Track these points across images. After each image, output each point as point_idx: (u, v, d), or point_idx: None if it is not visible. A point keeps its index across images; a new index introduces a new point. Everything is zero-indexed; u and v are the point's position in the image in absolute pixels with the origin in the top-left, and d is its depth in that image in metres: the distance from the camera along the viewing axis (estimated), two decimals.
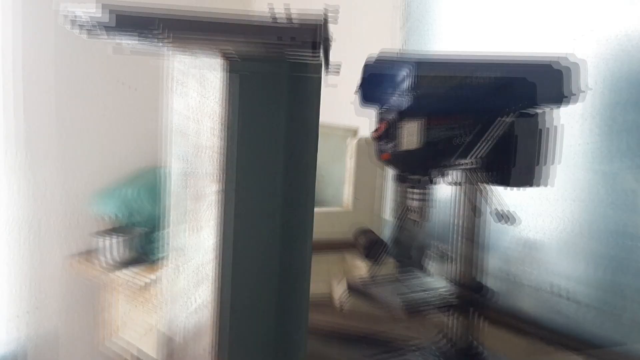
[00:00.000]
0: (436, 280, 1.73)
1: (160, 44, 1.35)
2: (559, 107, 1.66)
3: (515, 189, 1.61)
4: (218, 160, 1.43)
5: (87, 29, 1.29)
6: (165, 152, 1.57)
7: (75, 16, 1.28)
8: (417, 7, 2.35)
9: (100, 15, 1.24)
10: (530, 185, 1.62)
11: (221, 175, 1.42)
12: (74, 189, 2.80)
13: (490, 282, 2.01)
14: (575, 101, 1.66)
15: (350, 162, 2.22)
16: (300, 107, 1.49)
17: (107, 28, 1.30)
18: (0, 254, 2.69)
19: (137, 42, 1.41)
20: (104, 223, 2.78)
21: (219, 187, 1.43)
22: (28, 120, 2.66)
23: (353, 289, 1.70)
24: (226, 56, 1.38)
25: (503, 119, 1.54)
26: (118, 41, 1.43)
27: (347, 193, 2.26)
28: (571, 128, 1.91)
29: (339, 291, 2.12)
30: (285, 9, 1.49)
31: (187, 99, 1.51)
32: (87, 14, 1.26)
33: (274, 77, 1.45)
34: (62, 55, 2.71)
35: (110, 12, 1.26)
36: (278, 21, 1.47)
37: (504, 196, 1.61)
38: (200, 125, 1.48)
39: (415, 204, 1.60)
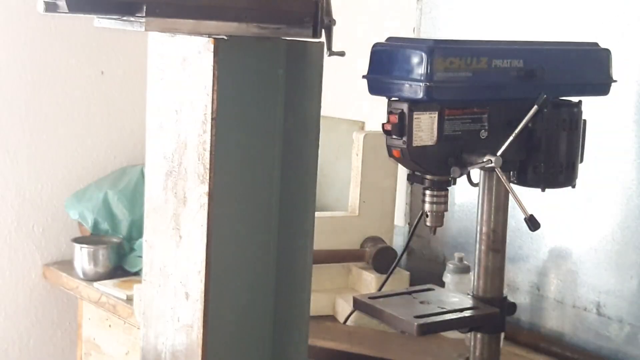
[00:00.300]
0: (456, 296, 1.68)
1: (141, 25, 1.33)
2: (605, 94, 1.64)
3: (549, 190, 1.58)
4: (205, 158, 1.39)
5: (62, 11, 1.27)
6: (144, 149, 1.56)
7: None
8: None
9: None
10: (572, 186, 1.61)
11: (209, 175, 1.39)
12: (48, 191, 2.79)
13: (517, 298, 2.03)
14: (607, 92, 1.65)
15: (356, 160, 2.19)
16: (299, 95, 1.47)
17: (85, 9, 1.30)
18: None
19: (115, 22, 1.40)
20: (80, 229, 2.77)
21: (206, 188, 1.40)
22: None
23: (360, 305, 1.65)
24: (214, 37, 1.36)
25: (538, 108, 1.50)
26: (96, 21, 1.43)
27: (353, 195, 2.23)
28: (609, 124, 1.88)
29: (344, 307, 2.08)
30: None
31: (168, 88, 1.49)
32: None
33: (269, 59, 1.43)
34: (31, 39, 2.69)
35: None
36: None
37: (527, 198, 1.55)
38: (184, 117, 1.45)
39: (431, 207, 1.55)
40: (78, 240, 2.67)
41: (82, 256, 2.61)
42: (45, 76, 2.73)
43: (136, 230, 2.65)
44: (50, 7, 1.27)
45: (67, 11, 1.26)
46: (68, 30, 2.74)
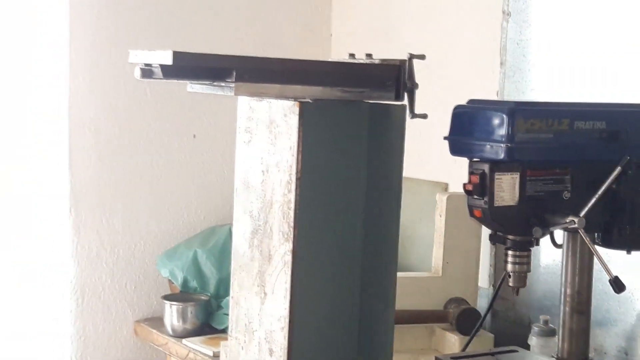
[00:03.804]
0: (540, 359, 1.67)
1: (231, 90, 1.38)
2: None
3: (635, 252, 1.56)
4: (289, 216, 1.41)
5: (157, 77, 1.33)
6: (234, 208, 1.58)
7: (146, 65, 1.33)
8: (514, 52, 2.33)
9: (171, 63, 1.28)
10: None
11: (293, 233, 1.41)
12: (140, 249, 2.84)
13: None
14: None
15: (439, 221, 2.19)
16: (381, 157, 1.49)
17: (179, 76, 1.35)
18: (63, 318, 2.73)
19: (207, 87, 1.46)
20: (170, 287, 2.81)
21: (290, 246, 1.41)
22: (91, 175, 2.72)
23: None
24: (299, 100, 1.41)
25: (622, 170, 1.49)
26: (189, 86, 1.49)
27: (436, 256, 2.22)
28: None
29: None
30: (367, 53, 1.53)
31: (255, 149, 1.52)
32: (158, 62, 1.30)
33: (353, 122, 1.45)
34: (127, 104, 2.77)
35: (181, 59, 1.29)
36: (357, 62, 1.51)
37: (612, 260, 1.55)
38: (270, 177, 1.47)
39: (514, 268, 1.54)
40: (168, 297, 2.70)
41: (171, 313, 2.64)
42: (140, 139, 2.82)
43: (224, 288, 2.66)
44: (146, 74, 1.34)
45: (162, 77, 1.32)
46: (162, 96, 2.82)
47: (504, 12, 2.29)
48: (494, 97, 2.35)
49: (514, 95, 2.31)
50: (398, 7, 2.74)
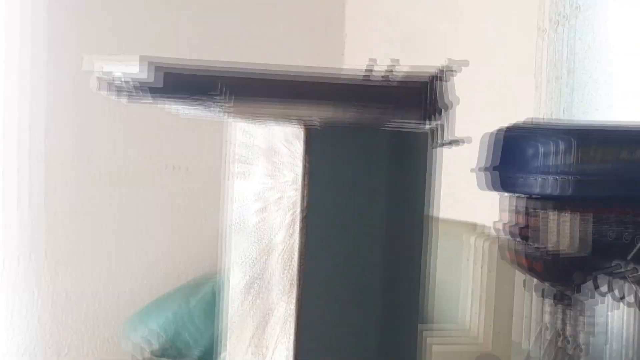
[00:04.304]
0: None
1: (221, 111, 1.38)
2: None
3: None
4: (292, 267, 1.40)
5: (127, 93, 1.31)
6: (223, 254, 1.58)
7: (113, 78, 1.31)
8: (568, 65, 2.31)
9: (145, 76, 1.26)
10: None
11: (297, 288, 1.40)
12: (110, 307, 2.85)
13: None
14: None
15: (472, 268, 2.20)
16: (405, 194, 1.47)
17: (154, 91, 1.32)
18: None
19: (190, 108, 1.43)
20: (147, 346, 2.75)
21: (293, 303, 1.40)
22: (48, 221, 2.72)
23: None
24: (305, 124, 1.39)
25: None
26: (167, 106, 1.46)
27: (468, 308, 2.23)
28: None
29: None
30: (390, 64, 1.48)
31: (251, 182, 1.50)
32: (128, 75, 1.29)
33: (370, 151, 1.43)
34: (89, 129, 2.78)
35: (158, 71, 1.27)
36: (373, 79, 1.47)
37: None
38: (269, 218, 1.45)
39: (568, 328, 1.52)
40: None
41: None
42: (103, 167, 2.83)
43: (210, 355, 2.65)
44: (110, 88, 1.31)
45: (133, 94, 1.31)
46: (132, 116, 2.82)
47: (561, 16, 2.28)
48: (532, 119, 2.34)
49: (568, 115, 2.30)
50: (418, 10, 2.74)
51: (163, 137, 2.87)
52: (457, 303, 2.25)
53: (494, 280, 2.18)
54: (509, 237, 1.46)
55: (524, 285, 1.56)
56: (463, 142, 1.47)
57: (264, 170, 1.47)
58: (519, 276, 1.66)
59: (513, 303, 2.21)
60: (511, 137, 1.50)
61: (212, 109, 1.39)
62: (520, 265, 1.48)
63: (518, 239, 1.44)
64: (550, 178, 1.41)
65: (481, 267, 2.16)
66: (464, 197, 2.32)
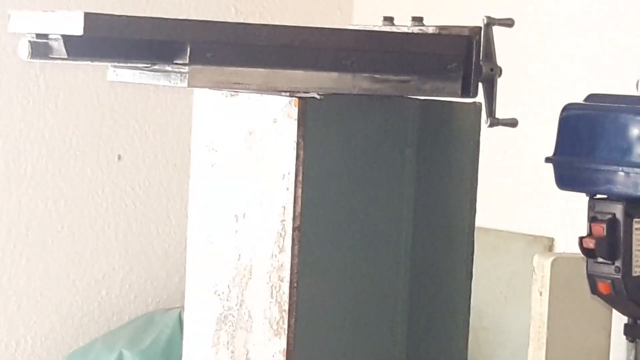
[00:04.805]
0: None
1: (184, 81, 1.31)
2: None
3: None
4: (282, 294, 1.35)
5: (56, 57, 1.29)
6: (185, 282, 1.57)
7: (39, 37, 1.29)
8: None
9: (81, 32, 1.22)
10: None
11: (287, 323, 1.35)
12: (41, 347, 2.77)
13: None
14: None
15: (539, 298, 2.09)
16: (438, 190, 1.42)
17: (94, 54, 1.31)
18: None
19: (141, 74, 1.40)
20: None
21: (283, 345, 1.35)
22: None
23: None
24: (300, 95, 1.34)
25: None
26: (111, 72, 1.44)
27: (534, 353, 2.12)
28: None
29: None
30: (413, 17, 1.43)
31: (224, 177, 1.47)
32: (59, 33, 1.26)
33: (390, 132, 1.38)
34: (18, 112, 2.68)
35: (98, 26, 1.24)
36: (398, 31, 1.43)
37: None
38: (248, 226, 1.41)
39: None
40: None
41: None
42: (27, 159, 2.72)
43: None
44: (39, 51, 1.28)
45: (66, 57, 1.26)
46: (65, 89, 2.73)
47: None
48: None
49: None
50: None
51: (106, 116, 2.78)
52: (523, 354, 2.15)
53: (579, 320, 2.09)
54: (585, 257, 1.41)
55: (626, 332, 1.52)
56: (515, 123, 1.42)
57: (242, 160, 1.39)
58: (618, 317, 1.67)
59: (609, 354, 2.15)
60: (575, 117, 1.48)
61: (171, 76, 1.34)
62: (597, 293, 1.44)
63: (598, 259, 1.41)
64: (623, 172, 1.39)
65: (559, 303, 2.05)
66: (538, 202, 2.30)
